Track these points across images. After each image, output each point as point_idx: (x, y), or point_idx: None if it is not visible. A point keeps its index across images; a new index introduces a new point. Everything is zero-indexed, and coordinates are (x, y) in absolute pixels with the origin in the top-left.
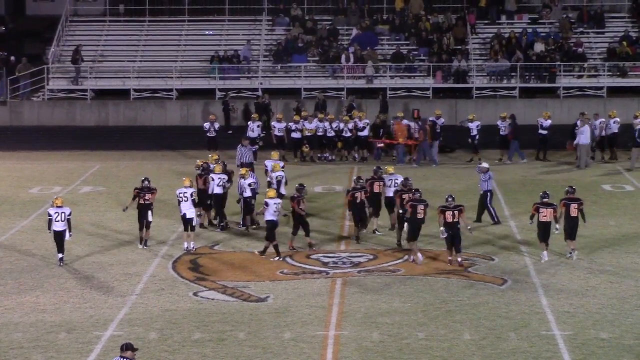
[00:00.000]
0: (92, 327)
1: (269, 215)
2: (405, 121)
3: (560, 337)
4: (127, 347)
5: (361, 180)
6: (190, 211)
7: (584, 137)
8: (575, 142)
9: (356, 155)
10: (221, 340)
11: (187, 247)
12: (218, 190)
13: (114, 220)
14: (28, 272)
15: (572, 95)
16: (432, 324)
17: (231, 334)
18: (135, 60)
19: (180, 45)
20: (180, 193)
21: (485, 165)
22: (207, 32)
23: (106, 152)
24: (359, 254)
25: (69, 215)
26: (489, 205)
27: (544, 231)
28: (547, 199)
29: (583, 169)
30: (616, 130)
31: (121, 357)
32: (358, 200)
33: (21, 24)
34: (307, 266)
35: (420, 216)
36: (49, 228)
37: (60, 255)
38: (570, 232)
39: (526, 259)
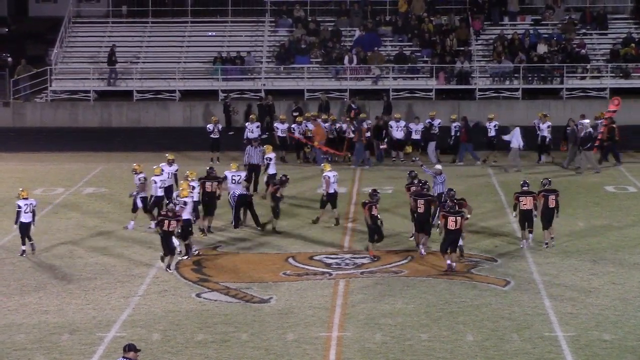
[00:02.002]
0: (95, 329)
1: (186, 215)
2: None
3: (563, 339)
4: (129, 347)
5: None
6: (187, 216)
7: (515, 140)
8: (510, 144)
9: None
10: (224, 342)
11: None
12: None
13: (117, 221)
14: (31, 273)
15: (575, 97)
16: (435, 325)
17: (234, 335)
18: (138, 62)
19: (183, 46)
20: (177, 197)
21: (438, 167)
22: (210, 34)
23: (109, 154)
24: (362, 256)
25: (34, 206)
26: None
27: (525, 219)
28: (526, 187)
29: (515, 172)
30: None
31: (124, 357)
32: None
33: (24, 26)
34: (310, 267)
35: (420, 211)
36: (16, 222)
37: (23, 247)
38: (548, 222)
39: (529, 260)
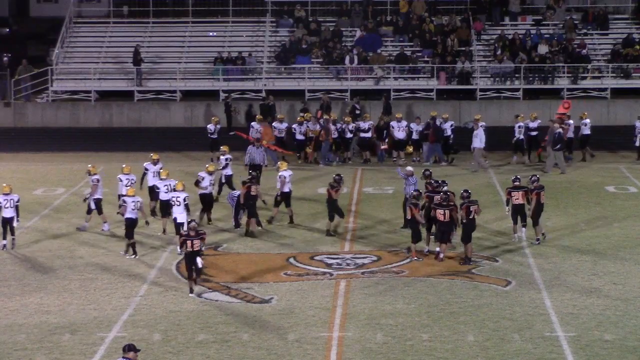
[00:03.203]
0: (96, 329)
1: (128, 213)
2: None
3: (564, 339)
4: (129, 348)
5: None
6: (181, 216)
7: (477, 140)
8: (472, 145)
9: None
10: (225, 342)
11: (181, 252)
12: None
13: (118, 221)
14: (32, 273)
15: (576, 97)
16: (436, 325)
17: (235, 335)
18: (139, 62)
19: (184, 46)
20: (173, 197)
21: (410, 169)
22: (210, 34)
23: (110, 154)
24: (363, 256)
25: (17, 201)
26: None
27: (517, 213)
28: (518, 182)
29: (478, 173)
30: (588, 132)
31: (124, 358)
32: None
33: (25, 26)
34: (311, 267)
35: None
36: None
37: (4, 242)
38: (538, 218)
39: (530, 260)
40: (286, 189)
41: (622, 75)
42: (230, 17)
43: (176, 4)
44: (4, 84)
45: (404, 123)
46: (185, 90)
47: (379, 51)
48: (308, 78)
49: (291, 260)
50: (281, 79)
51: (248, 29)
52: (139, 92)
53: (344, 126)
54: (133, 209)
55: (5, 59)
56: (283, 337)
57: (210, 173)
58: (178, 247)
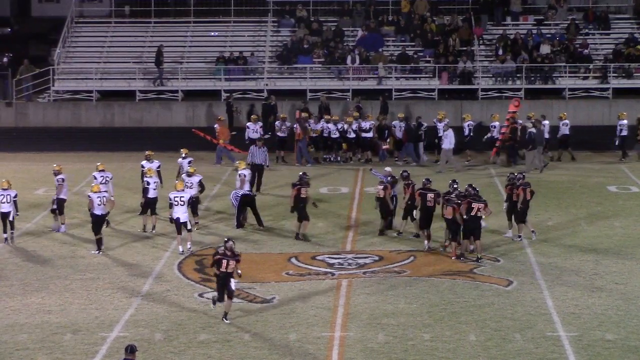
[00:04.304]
0: (97, 328)
1: (95, 209)
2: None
3: (566, 338)
4: (132, 349)
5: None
6: (184, 215)
7: (447, 141)
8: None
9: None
10: (227, 342)
11: (182, 251)
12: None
13: (120, 222)
14: (34, 273)
15: (578, 97)
16: (438, 325)
17: (237, 335)
18: (141, 62)
19: (185, 46)
20: (175, 197)
21: (388, 169)
22: (212, 34)
23: (112, 153)
24: (364, 255)
25: (14, 197)
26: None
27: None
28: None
29: (443, 173)
30: (567, 132)
31: (126, 359)
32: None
33: (26, 26)
34: (312, 267)
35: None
36: None
37: (4, 235)
38: (524, 216)
39: (531, 259)
40: (246, 188)
41: (624, 75)
42: (232, 17)
43: (178, 4)
44: (5, 84)
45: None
46: (187, 90)
47: (380, 50)
48: (310, 78)
49: (293, 260)
50: (283, 79)
51: (250, 28)
52: (141, 91)
53: (345, 126)
54: (99, 205)
55: (7, 59)
56: (284, 337)
57: (189, 175)
58: (180, 247)
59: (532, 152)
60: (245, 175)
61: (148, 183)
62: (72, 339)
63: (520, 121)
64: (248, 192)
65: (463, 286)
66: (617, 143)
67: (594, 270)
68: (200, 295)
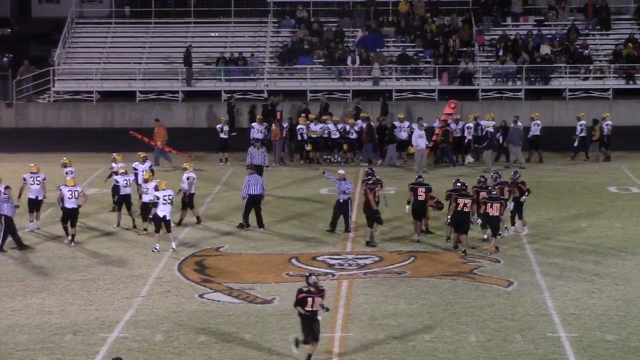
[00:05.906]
0: (97, 329)
1: (67, 203)
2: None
3: (566, 339)
4: None
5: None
6: (169, 213)
7: (422, 140)
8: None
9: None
10: (227, 342)
11: (175, 248)
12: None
13: (121, 222)
14: (34, 274)
15: (578, 97)
16: (438, 326)
17: (237, 336)
18: (141, 62)
19: (186, 47)
20: (164, 196)
21: (341, 172)
22: (212, 34)
23: (112, 154)
24: (364, 256)
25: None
26: (350, 212)
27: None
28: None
29: (422, 173)
30: (538, 133)
31: None
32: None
33: (27, 26)
34: (313, 268)
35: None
36: None
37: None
38: (518, 213)
39: (532, 260)
40: (193, 190)
41: (624, 75)
42: (232, 18)
43: (178, 5)
44: (5, 85)
45: (406, 123)
46: (187, 91)
47: (378, 50)
48: (310, 78)
49: (293, 260)
50: (283, 80)
51: (250, 29)
52: (141, 92)
53: (347, 127)
54: (70, 198)
55: (7, 59)
56: (285, 338)
57: (146, 182)
58: (173, 244)
59: (489, 151)
60: (194, 178)
61: (117, 181)
62: (72, 339)
63: (454, 125)
64: (258, 193)
65: (463, 287)
66: (575, 144)
67: (594, 271)
68: (201, 296)
